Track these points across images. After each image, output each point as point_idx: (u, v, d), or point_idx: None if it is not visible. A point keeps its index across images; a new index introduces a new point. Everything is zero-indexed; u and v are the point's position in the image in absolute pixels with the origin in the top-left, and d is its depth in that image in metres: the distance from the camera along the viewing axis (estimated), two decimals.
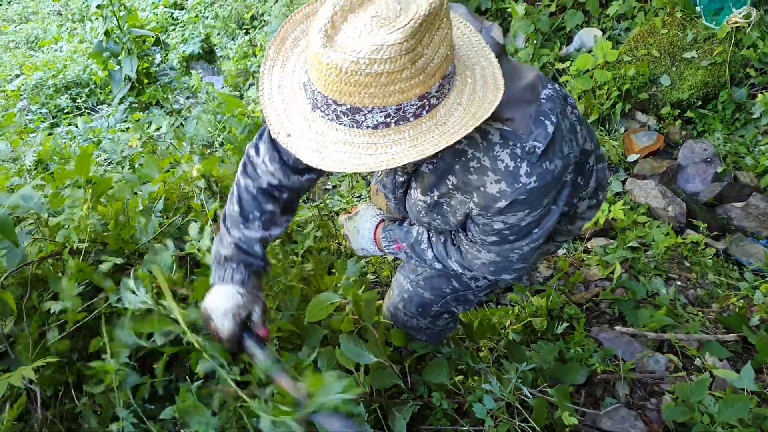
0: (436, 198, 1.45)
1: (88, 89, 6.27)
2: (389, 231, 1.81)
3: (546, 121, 1.27)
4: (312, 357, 1.57)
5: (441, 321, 1.89)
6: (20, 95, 6.12)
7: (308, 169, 1.53)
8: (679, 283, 2.83)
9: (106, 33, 4.94)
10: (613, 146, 3.74)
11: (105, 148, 4.20)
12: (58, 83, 6.24)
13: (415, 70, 1.06)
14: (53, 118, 5.81)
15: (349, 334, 1.62)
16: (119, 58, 5.02)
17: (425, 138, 1.12)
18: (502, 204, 1.31)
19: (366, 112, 1.10)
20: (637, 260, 2.91)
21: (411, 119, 1.12)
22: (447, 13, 1.10)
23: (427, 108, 1.12)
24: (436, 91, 1.12)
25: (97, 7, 4.82)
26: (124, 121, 5.24)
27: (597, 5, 4.33)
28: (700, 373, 2.24)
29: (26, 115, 5.60)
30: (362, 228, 1.89)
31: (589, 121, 3.78)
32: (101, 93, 6.25)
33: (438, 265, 1.70)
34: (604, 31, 4.33)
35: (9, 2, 10.10)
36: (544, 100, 1.30)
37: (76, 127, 5.14)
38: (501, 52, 1.29)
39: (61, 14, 9.07)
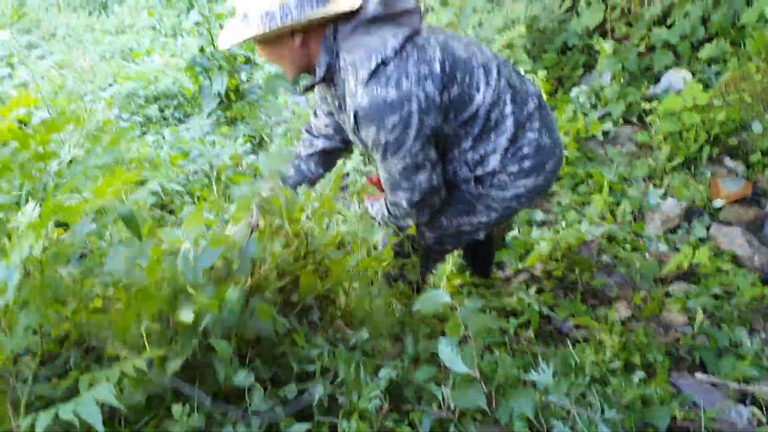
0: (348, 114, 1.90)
1: (176, 101, 6.50)
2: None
3: (374, 59, 1.73)
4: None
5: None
6: (113, 103, 6.39)
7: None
8: (763, 335, 2.75)
9: (201, 49, 5.14)
10: (699, 190, 3.67)
11: (193, 158, 4.35)
12: (149, 94, 6.50)
13: None
14: (141, 126, 6.06)
15: (452, 337, 1.65)
16: (210, 73, 5.21)
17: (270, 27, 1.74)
18: (352, 117, 1.81)
19: (250, 15, 1.74)
20: (720, 308, 2.84)
21: (279, 22, 1.72)
22: None
23: (289, 16, 1.71)
24: (295, 6, 1.70)
25: (195, 23, 5.03)
26: (209, 134, 5.43)
27: (688, 47, 4.29)
28: None
29: (117, 123, 5.84)
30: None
31: (674, 164, 3.76)
32: (188, 106, 6.47)
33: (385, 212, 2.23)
34: (694, 74, 4.27)
35: (108, 15, 10.62)
36: (387, 47, 1.74)
37: (163, 137, 5.34)
38: (384, 17, 1.79)
39: (154, 28, 9.47)
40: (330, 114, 2.24)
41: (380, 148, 1.86)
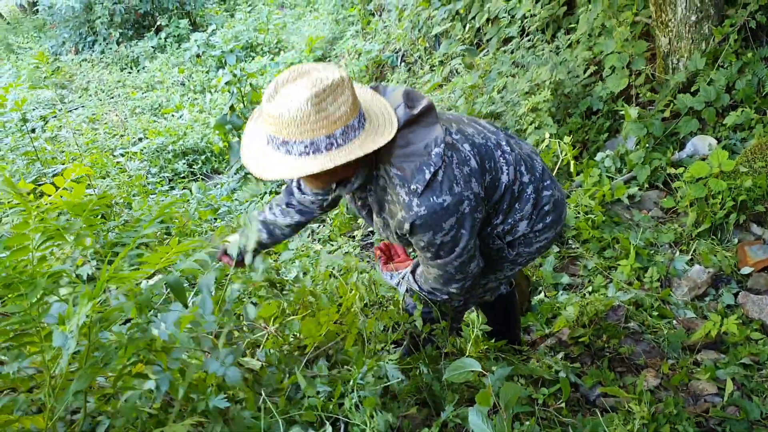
0: (383, 218, 1.96)
1: (204, 157, 6.63)
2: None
3: (426, 170, 1.76)
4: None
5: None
6: (142, 158, 6.51)
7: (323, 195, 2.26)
8: None
9: (231, 108, 5.27)
10: (726, 257, 3.65)
11: (221, 214, 4.42)
12: (177, 149, 6.63)
13: (319, 117, 1.57)
14: (169, 181, 6.16)
15: (482, 407, 1.64)
16: (240, 130, 5.32)
17: (322, 162, 1.61)
18: (407, 226, 1.82)
19: (291, 143, 1.60)
20: (750, 378, 2.80)
21: (323, 151, 1.61)
22: (349, 85, 1.63)
23: (335, 145, 1.62)
24: (340, 135, 1.62)
25: (226, 83, 5.16)
26: (236, 190, 5.51)
27: (713, 114, 4.32)
28: None
29: (146, 177, 5.95)
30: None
31: (700, 230, 3.76)
32: (216, 161, 6.59)
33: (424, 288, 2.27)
34: (719, 140, 4.30)
35: (138, 71, 10.92)
36: (432, 155, 1.77)
37: (190, 192, 5.43)
38: (414, 120, 1.83)
39: (184, 85, 9.71)
40: (317, 193, 2.27)
41: (434, 248, 1.91)
